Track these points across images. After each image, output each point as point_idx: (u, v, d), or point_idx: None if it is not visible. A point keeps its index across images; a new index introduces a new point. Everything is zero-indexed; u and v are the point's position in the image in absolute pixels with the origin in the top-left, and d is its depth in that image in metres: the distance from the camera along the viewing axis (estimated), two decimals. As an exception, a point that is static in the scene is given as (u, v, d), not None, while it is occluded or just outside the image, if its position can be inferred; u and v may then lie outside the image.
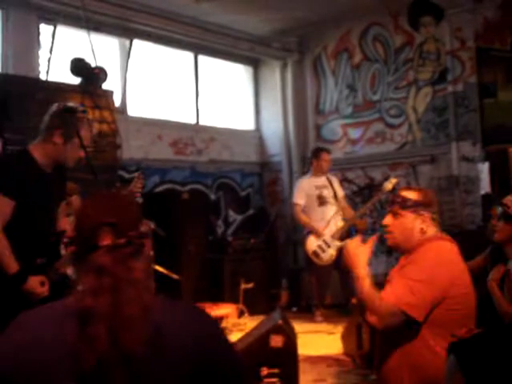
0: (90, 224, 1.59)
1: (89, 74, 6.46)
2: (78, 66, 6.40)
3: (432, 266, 2.71)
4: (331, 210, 7.22)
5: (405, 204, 2.88)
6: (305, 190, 7.33)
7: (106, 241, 1.56)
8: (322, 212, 7.21)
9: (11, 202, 3.33)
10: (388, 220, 2.93)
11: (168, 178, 8.49)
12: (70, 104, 3.69)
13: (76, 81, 6.59)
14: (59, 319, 1.53)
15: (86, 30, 6.46)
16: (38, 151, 3.47)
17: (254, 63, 9.99)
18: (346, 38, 9.05)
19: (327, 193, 7.26)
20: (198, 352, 1.55)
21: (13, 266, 3.26)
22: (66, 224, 3.80)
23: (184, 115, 8.98)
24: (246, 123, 9.94)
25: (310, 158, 7.79)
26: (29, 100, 5.90)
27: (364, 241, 2.87)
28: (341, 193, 7.43)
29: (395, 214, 2.90)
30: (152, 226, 5.75)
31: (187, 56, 9.10)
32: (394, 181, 6.43)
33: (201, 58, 9.25)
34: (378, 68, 8.73)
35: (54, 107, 3.54)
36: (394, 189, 6.23)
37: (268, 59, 9.73)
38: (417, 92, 8.33)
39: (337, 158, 8.48)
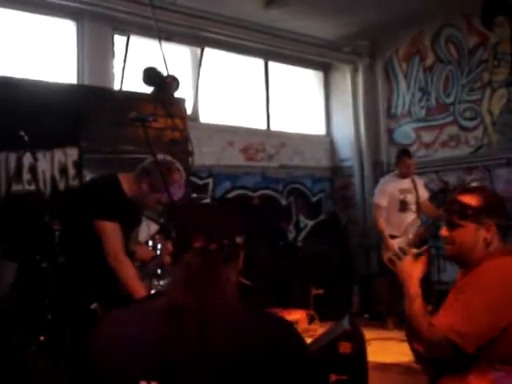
0: (187, 228, 1.73)
1: (161, 83, 6.57)
2: (150, 76, 6.52)
3: (495, 290, 2.28)
4: (411, 216, 7.03)
5: (464, 213, 2.41)
6: (388, 191, 7.11)
7: (199, 244, 1.68)
8: (401, 218, 7.01)
9: (117, 225, 3.57)
10: (446, 231, 2.49)
11: (239, 183, 8.56)
12: (168, 158, 3.88)
13: (149, 90, 6.72)
14: (149, 316, 1.65)
15: (158, 40, 6.59)
16: (127, 182, 3.70)
17: (325, 68, 9.96)
18: (418, 40, 8.90)
19: (410, 198, 7.05)
20: (275, 354, 1.60)
21: (141, 291, 3.45)
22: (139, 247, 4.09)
23: (255, 121, 9.04)
24: (317, 128, 9.92)
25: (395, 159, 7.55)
26: (103, 110, 6.07)
27: (417, 257, 2.54)
28: (425, 195, 7.21)
29: (453, 225, 2.45)
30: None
31: (257, 62, 9.16)
32: None
33: (271, 64, 9.30)
34: (451, 70, 8.54)
35: (162, 158, 3.74)
36: None
37: (339, 64, 9.69)
38: (492, 94, 8.10)
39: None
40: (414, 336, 2.42)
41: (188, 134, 6.76)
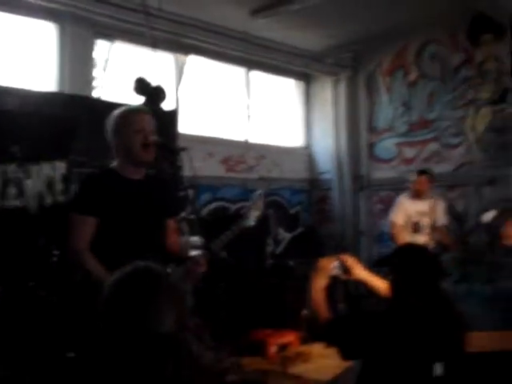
0: None
1: (151, 94, 6.30)
2: (142, 86, 6.24)
3: None
4: (423, 238, 6.65)
5: None
6: (405, 211, 6.82)
7: None
8: (413, 239, 6.55)
9: (92, 219, 3.04)
10: None
11: (219, 195, 8.35)
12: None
13: (133, 100, 6.41)
14: None
15: (150, 48, 6.36)
16: (116, 162, 3.20)
17: (306, 78, 9.81)
18: (402, 55, 8.81)
19: (426, 221, 6.78)
20: None
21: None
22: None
23: (235, 132, 8.83)
24: (297, 139, 9.76)
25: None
26: (92, 121, 5.75)
27: None
28: (441, 221, 6.89)
29: None
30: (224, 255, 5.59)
31: (239, 71, 8.96)
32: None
33: (252, 73, 9.09)
34: (435, 86, 8.48)
35: None
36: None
37: (321, 75, 9.55)
38: (476, 111, 8.05)
39: (390, 178, 8.47)
40: None
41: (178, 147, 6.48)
